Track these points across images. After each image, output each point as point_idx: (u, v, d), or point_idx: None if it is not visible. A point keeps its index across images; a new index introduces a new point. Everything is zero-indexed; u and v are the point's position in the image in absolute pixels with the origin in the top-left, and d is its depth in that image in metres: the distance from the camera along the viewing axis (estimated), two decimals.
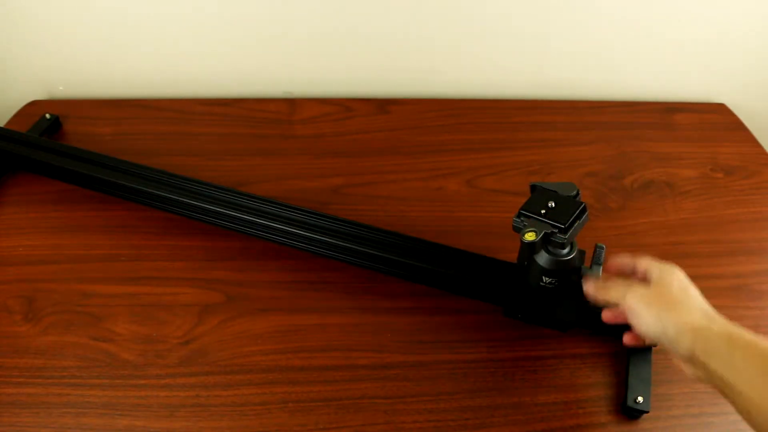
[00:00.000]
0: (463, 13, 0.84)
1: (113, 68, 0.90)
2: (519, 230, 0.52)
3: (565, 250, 0.54)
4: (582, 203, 0.54)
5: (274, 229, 0.66)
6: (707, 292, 0.68)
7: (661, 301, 0.46)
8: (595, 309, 0.56)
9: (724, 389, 0.41)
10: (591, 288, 0.54)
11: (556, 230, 0.52)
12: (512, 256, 0.60)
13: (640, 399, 0.56)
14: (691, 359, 0.43)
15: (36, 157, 0.72)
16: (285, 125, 0.87)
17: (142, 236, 0.70)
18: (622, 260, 0.55)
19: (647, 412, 0.56)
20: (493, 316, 0.64)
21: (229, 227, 0.68)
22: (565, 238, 0.52)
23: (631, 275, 0.54)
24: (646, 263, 0.52)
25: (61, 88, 0.92)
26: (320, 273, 0.67)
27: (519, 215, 0.54)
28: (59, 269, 0.67)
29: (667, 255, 0.70)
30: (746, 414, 0.40)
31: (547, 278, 0.56)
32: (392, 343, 0.61)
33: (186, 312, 0.63)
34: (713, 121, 0.92)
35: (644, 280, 0.51)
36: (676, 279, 0.49)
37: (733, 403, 0.41)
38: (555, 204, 0.53)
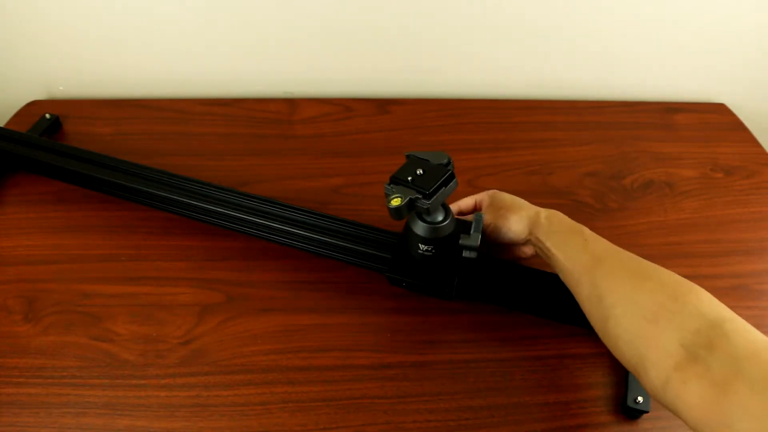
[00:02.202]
0: (463, 13, 0.84)
1: (113, 68, 0.90)
2: (387, 197, 0.54)
3: (439, 218, 0.57)
4: (449, 171, 0.55)
5: (274, 229, 0.66)
6: None
7: (502, 211, 0.60)
8: (477, 278, 0.61)
9: (548, 256, 0.56)
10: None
11: (420, 196, 0.53)
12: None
13: (640, 399, 0.56)
14: (529, 240, 0.59)
15: (36, 157, 0.72)
16: (285, 125, 0.87)
17: (142, 236, 0.70)
18: (458, 204, 0.66)
19: (647, 412, 0.56)
20: (493, 316, 0.64)
21: (229, 227, 0.68)
22: (429, 203, 0.53)
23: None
24: (470, 199, 0.65)
25: (61, 88, 0.92)
26: (320, 273, 0.67)
27: (389, 182, 0.55)
28: (59, 269, 0.67)
29: (667, 255, 0.70)
30: (554, 267, 0.56)
31: (424, 246, 0.58)
32: (392, 343, 0.61)
33: (186, 312, 0.63)
34: (713, 121, 0.92)
35: (477, 209, 0.65)
36: (503, 194, 0.62)
37: (551, 264, 0.56)
38: (423, 171, 0.55)
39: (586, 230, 0.56)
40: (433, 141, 0.85)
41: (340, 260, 0.65)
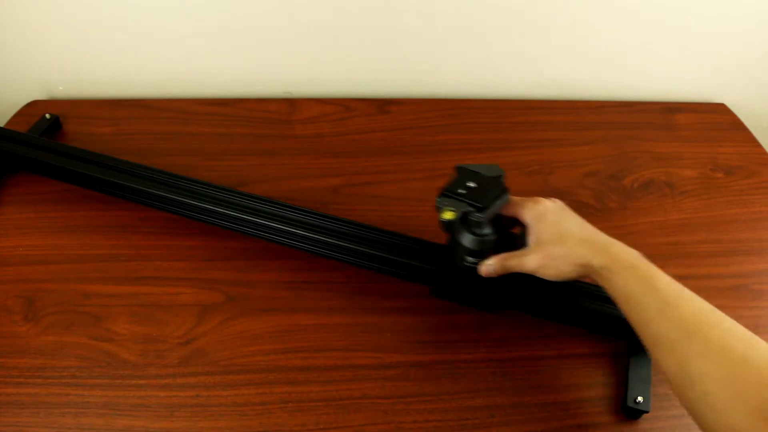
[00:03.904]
0: (463, 13, 0.84)
1: (113, 68, 0.90)
2: (439, 210, 0.53)
3: (488, 231, 0.56)
4: (502, 184, 0.54)
5: (274, 229, 0.66)
6: (707, 292, 0.68)
7: (548, 256, 0.52)
8: (522, 290, 0.58)
9: (612, 297, 0.49)
10: (492, 266, 0.56)
11: (474, 209, 0.53)
12: None
13: (640, 399, 0.56)
14: (581, 279, 0.52)
15: (36, 157, 0.72)
16: (285, 125, 0.87)
17: (142, 236, 0.70)
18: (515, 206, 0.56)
19: (647, 412, 0.56)
20: (493, 316, 0.64)
21: (229, 227, 0.68)
22: (483, 218, 0.53)
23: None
24: (512, 209, 0.56)
25: (61, 88, 0.92)
26: (320, 273, 0.67)
27: (441, 195, 0.54)
28: (59, 269, 0.67)
29: (667, 255, 0.70)
30: (631, 325, 0.48)
31: (470, 258, 0.57)
32: (392, 343, 0.61)
33: (186, 312, 0.63)
34: (713, 121, 0.92)
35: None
36: (548, 225, 0.53)
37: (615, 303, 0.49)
38: (476, 185, 0.54)
39: (659, 282, 0.48)
40: (433, 141, 0.85)
41: (340, 260, 0.65)
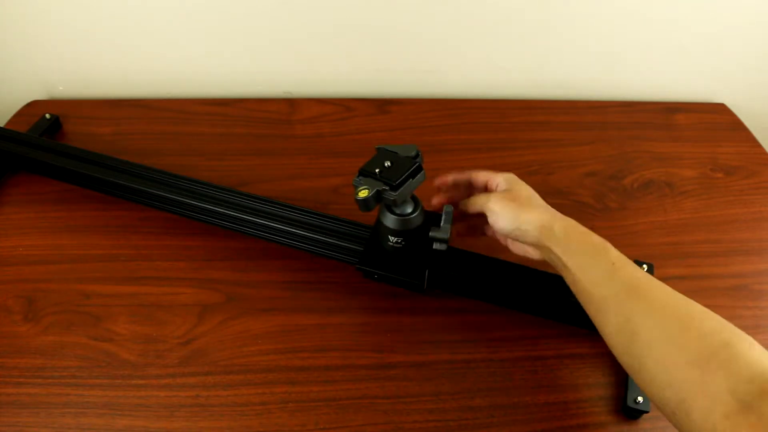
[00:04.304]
0: (463, 13, 0.84)
1: (113, 68, 0.90)
2: (356, 188, 0.54)
3: (408, 210, 0.58)
4: (417, 163, 0.55)
5: (274, 229, 0.66)
6: (707, 292, 0.68)
7: (515, 203, 0.56)
8: (447, 270, 0.61)
9: (563, 272, 0.53)
10: (462, 204, 0.61)
11: (387, 188, 0.54)
12: (514, 257, 0.60)
13: (640, 399, 0.56)
14: (538, 245, 0.55)
15: (36, 157, 0.72)
16: (285, 125, 0.87)
17: (142, 236, 0.70)
18: (453, 176, 0.62)
19: (647, 412, 0.56)
20: (494, 316, 0.64)
21: (229, 227, 0.68)
22: (395, 195, 0.54)
23: (467, 188, 0.62)
24: (485, 175, 0.60)
25: (61, 88, 0.92)
26: (320, 273, 0.67)
27: (358, 174, 0.56)
28: (59, 269, 0.67)
29: (667, 255, 0.70)
30: (572, 284, 0.52)
31: (393, 238, 0.58)
32: (392, 343, 0.61)
33: (186, 312, 0.63)
34: (713, 121, 0.92)
35: (488, 189, 0.60)
36: (523, 186, 0.58)
37: (564, 277, 0.53)
38: (391, 164, 0.55)
39: (611, 249, 0.51)
40: (433, 141, 0.85)
41: (340, 260, 0.65)
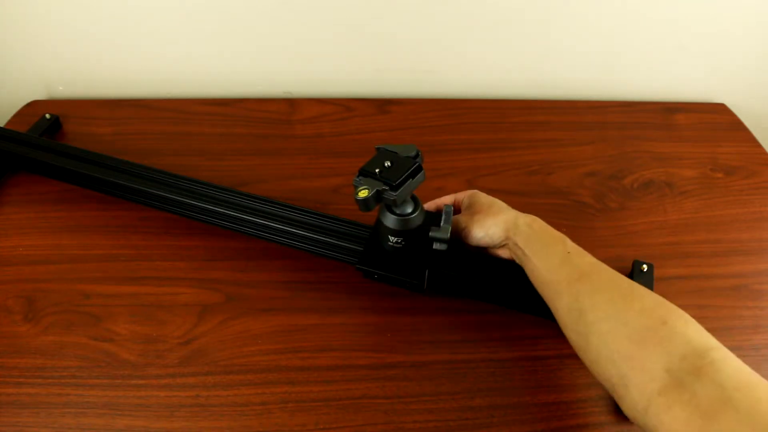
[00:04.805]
0: (463, 13, 0.84)
1: (113, 68, 0.90)
2: (356, 188, 0.54)
3: (408, 210, 0.58)
4: (416, 163, 0.55)
5: (274, 229, 0.66)
6: (707, 292, 0.68)
7: (480, 214, 0.59)
8: (447, 270, 0.61)
9: (525, 263, 0.56)
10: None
11: (387, 188, 0.54)
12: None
13: None
14: (506, 244, 0.58)
15: (36, 157, 0.72)
16: (285, 125, 0.87)
17: (142, 236, 0.70)
18: (435, 202, 0.65)
19: None
20: (494, 316, 0.64)
21: (229, 227, 0.68)
22: (395, 195, 0.53)
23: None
24: (449, 198, 0.65)
25: (61, 88, 0.92)
26: (320, 273, 0.67)
27: (358, 174, 0.56)
28: (59, 269, 0.67)
29: (667, 255, 0.70)
30: (530, 273, 0.56)
31: (393, 238, 0.59)
32: (392, 343, 0.61)
33: (186, 312, 0.63)
34: (713, 121, 0.92)
35: (456, 210, 0.64)
36: (483, 197, 0.62)
37: (525, 267, 0.56)
38: (391, 164, 0.55)
39: (568, 241, 0.55)
40: (433, 141, 0.85)
41: (340, 260, 0.65)
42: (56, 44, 0.86)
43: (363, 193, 0.53)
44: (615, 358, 0.45)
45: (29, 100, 0.90)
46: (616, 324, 0.46)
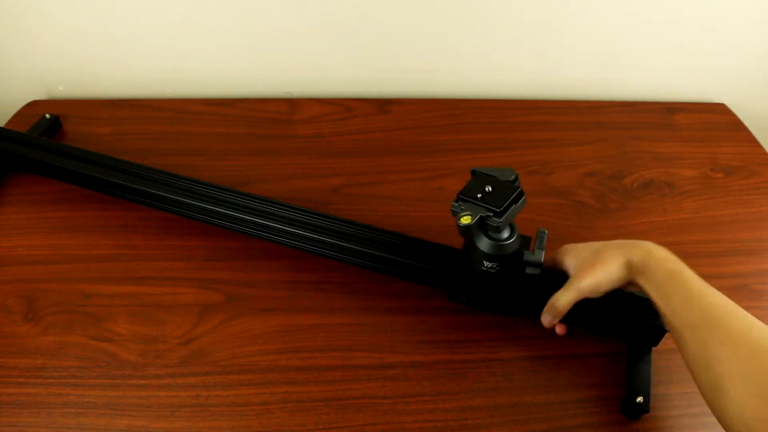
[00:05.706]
0: (463, 13, 0.84)
1: (113, 68, 0.90)
2: (456, 214, 0.53)
3: (505, 235, 0.56)
4: (518, 188, 0.54)
5: (274, 229, 0.66)
6: None
7: (588, 270, 0.55)
8: (539, 295, 0.58)
9: (649, 298, 0.53)
10: (546, 319, 0.59)
11: (491, 214, 0.52)
12: None
13: (640, 399, 0.56)
14: (630, 282, 0.54)
15: (36, 157, 0.72)
16: (285, 125, 0.87)
17: (142, 236, 0.70)
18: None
19: (647, 412, 0.56)
20: (494, 316, 0.64)
21: (229, 227, 0.68)
22: (500, 221, 0.52)
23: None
24: (551, 261, 0.60)
25: (61, 88, 0.92)
26: (320, 273, 0.67)
27: (457, 200, 0.54)
28: (59, 269, 0.67)
29: None
30: (661, 317, 0.52)
31: (488, 263, 0.57)
32: (392, 343, 0.61)
33: (186, 312, 0.63)
34: (713, 121, 0.92)
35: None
36: (576, 249, 0.58)
37: (655, 308, 0.52)
38: (492, 188, 0.54)
39: (687, 276, 0.51)
40: (433, 141, 0.85)
41: (340, 260, 0.65)
42: (56, 44, 0.86)
43: (466, 220, 0.51)
44: (742, 412, 0.43)
45: (29, 100, 0.90)
46: (743, 380, 0.44)
